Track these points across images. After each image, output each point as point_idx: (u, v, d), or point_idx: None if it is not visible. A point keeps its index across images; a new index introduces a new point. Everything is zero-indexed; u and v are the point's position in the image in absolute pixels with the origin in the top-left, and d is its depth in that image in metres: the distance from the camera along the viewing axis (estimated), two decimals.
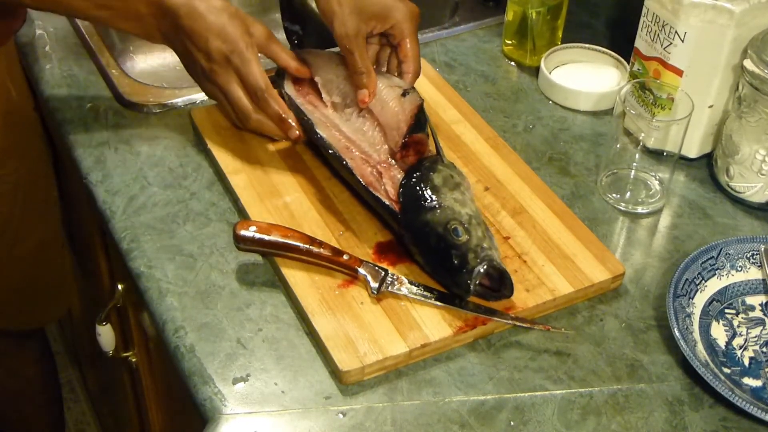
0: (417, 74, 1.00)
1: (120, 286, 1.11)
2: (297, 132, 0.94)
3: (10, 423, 1.40)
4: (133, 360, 1.19)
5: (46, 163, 1.17)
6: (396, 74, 1.01)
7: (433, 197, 0.86)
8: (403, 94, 0.95)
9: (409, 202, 0.87)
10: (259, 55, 0.95)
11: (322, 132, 0.95)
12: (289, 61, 0.98)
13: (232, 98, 0.94)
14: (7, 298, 1.20)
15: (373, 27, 0.96)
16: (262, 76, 0.93)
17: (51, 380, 1.45)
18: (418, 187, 0.87)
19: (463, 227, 0.83)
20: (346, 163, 0.92)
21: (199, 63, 0.94)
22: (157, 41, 0.96)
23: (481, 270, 0.81)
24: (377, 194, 0.89)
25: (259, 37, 0.94)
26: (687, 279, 0.87)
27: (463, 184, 0.89)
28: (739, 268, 0.91)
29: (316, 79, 1.01)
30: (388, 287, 0.84)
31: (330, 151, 0.94)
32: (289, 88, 1.02)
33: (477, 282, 0.81)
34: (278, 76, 1.06)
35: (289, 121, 0.94)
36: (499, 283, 0.83)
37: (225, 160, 0.99)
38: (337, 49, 0.99)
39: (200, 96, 1.10)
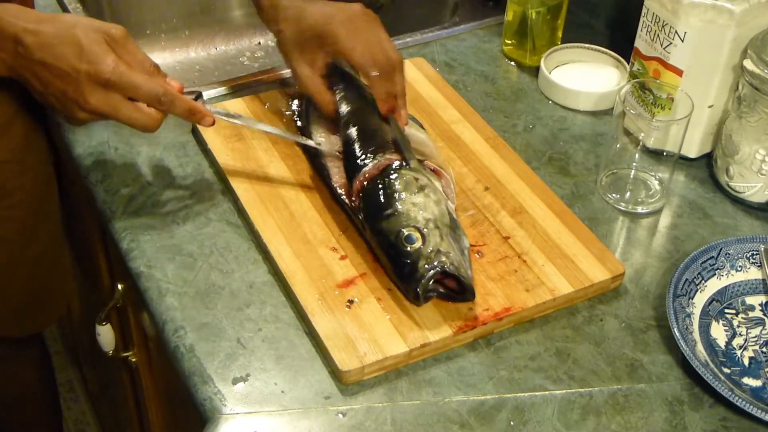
0: (384, 70, 0.93)
1: (120, 286, 1.11)
2: (211, 118, 0.88)
3: (10, 428, 1.40)
4: (133, 360, 1.19)
5: (50, 166, 1.17)
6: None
7: (389, 204, 0.85)
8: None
9: (368, 209, 0.87)
10: None
11: (315, 138, 0.96)
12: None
13: (126, 120, 0.84)
14: (11, 306, 1.20)
15: (323, 60, 0.95)
16: (154, 81, 0.84)
17: (50, 384, 1.45)
18: (376, 194, 0.87)
19: (418, 233, 0.83)
20: (327, 171, 0.93)
21: (67, 96, 0.82)
22: (1, 74, 0.85)
23: (429, 276, 0.80)
24: (347, 201, 0.89)
25: (120, 36, 0.84)
26: (687, 279, 0.87)
27: (429, 185, 0.87)
28: (739, 268, 0.91)
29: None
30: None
31: (319, 160, 0.95)
32: None
33: (426, 289, 0.81)
34: None
35: (200, 109, 0.87)
36: (462, 286, 0.82)
37: (225, 160, 0.99)
38: None
39: None
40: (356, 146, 0.92)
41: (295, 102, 1.06)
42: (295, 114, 1.05)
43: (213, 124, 0.89)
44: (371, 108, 0.96)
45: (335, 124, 0.98)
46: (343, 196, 0.90)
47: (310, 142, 0.97)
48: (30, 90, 0.86)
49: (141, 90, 0.83)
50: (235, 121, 0.95)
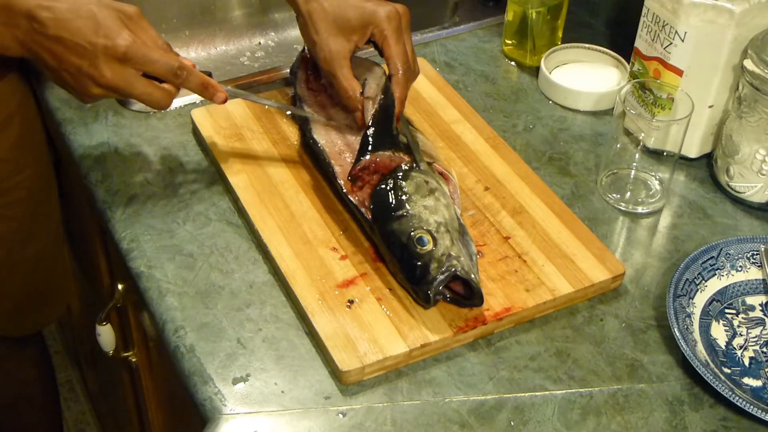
0: (407, 75, 0.95)
1: (120, 286, 1.11)
2: (224, 94, 0.89)
3: (10, 427, 1.40)
4: (133, 360, 1.19)
5: (49, 165, 1.17)
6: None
7: (400, 205, 0.85)
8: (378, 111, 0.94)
9: (377, 209, 0.87)
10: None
11: (316, 136, 0.96)
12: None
13: (140, 94, 0.85)
14: (10, 305, 1.20)
15: (355, 42, 0.95)
16: (170, 56, 0.85)
17: (50, 383, 1.45)
18: (386, 195, 0.86)
19: (429, 235, 0.82)
20: (332, 169, 0.93)
21: (82, 71, 0.83)
22: (15, 53, 0.85)
23: (440, 278, 0.80)
24: (355, 201, 0.89)
25: (134, 14, 0.84)
26: (687, 279, 0.87)
27: (439, 189, 0.87)
28: (740, 268, 0.91)
29: (324, 81, 1.02)
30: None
31: (321, 157, 0.94)
32: (300, 88, 1.03)
33: (437, 292, 0.81)
34: (292, 74, 1.07)
35: (213, 84, 0.88)
36: (470, 291, 0.82)
37: (225, 160, 0.99)
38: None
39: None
40: (371, 132, 0.91)
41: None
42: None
43: (225, 100, 0.90)
44: (389, 105, 0.96)
45: (328, 105, 1.00)
46: (349, 195, 0.90)
47: (305, 113, 0.99)
48: (41, 68, 0.86)
49: (158, 64, 0.83)
50: (248, 98, 0.97)
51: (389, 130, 0.92)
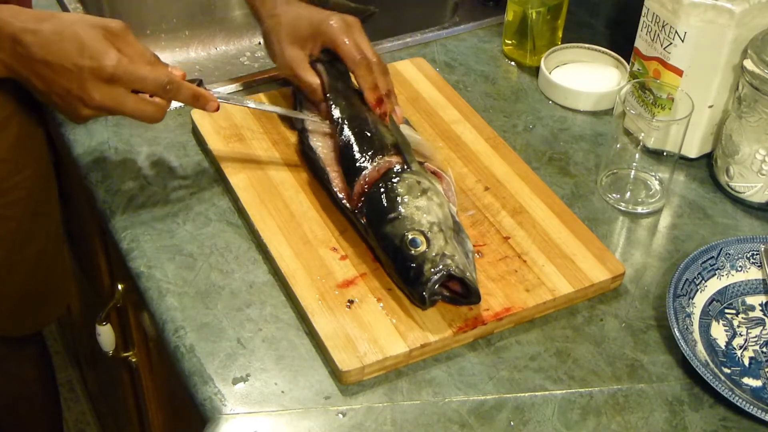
0: (366, 65, 0.97)
1: (120, 286, 1.11)
2: (215, 103, 0.89)
3: (10, 427, 1.40)
4: (133, 360, 1.19)
5: (49, 165, 1.17)
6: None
7: (393, 208, 0.85)
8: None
9: (371, 213, 0.87)
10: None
11: (312, 141, 0.97)
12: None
13: (132, 112, 0.84)
14: (10, 305, 1.20)
15: (309, 49, 1.00)
16: (158, 71, 0.84)
17: (50, 382, 1.45)
18: (379, 199, 0.86)
19: (422, 236, 0.82)
20: (326, 175, 0.93)
21: (72, 94, 0.82)
22: (2, 74, 0.85)
23: (434, 279, 0.80)
24: (350, 206, 0.89)
25: (120, 30, 0.83)
26: (687, 279, 0.87)
27: (432, 188, 0.87)
28: (739, 268, 0.91)
29: (293, 88, 1.03)
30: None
31: (318, 164, 0.95)
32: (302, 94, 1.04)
33: (432, 293, 0.81)
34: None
35: (204, 94, 0.88)
36: (467, 289, 0.82)
37: (225, 160, 0.99)
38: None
39: None
40: (355, 148, 0.92)
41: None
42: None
43: (218, 109, 0.90)
44: (368, 110, 0.96)
45: (324, 110, 1.00)
46: (344, 201, 0.90)
47: (302, 116, 1.00)
48: (31, 90, 0.86)
49: (147, 81, 0.83)
50: (241, 103, 0.98)
51: (368, 139, 0.92)
